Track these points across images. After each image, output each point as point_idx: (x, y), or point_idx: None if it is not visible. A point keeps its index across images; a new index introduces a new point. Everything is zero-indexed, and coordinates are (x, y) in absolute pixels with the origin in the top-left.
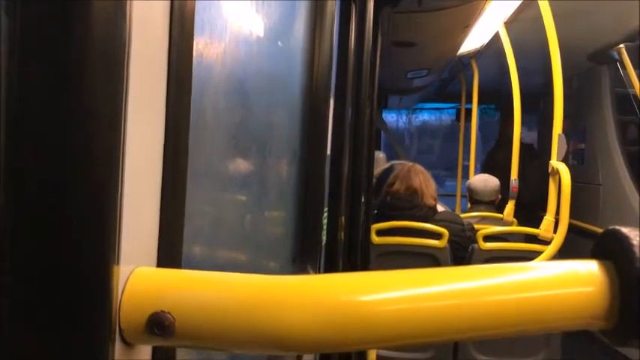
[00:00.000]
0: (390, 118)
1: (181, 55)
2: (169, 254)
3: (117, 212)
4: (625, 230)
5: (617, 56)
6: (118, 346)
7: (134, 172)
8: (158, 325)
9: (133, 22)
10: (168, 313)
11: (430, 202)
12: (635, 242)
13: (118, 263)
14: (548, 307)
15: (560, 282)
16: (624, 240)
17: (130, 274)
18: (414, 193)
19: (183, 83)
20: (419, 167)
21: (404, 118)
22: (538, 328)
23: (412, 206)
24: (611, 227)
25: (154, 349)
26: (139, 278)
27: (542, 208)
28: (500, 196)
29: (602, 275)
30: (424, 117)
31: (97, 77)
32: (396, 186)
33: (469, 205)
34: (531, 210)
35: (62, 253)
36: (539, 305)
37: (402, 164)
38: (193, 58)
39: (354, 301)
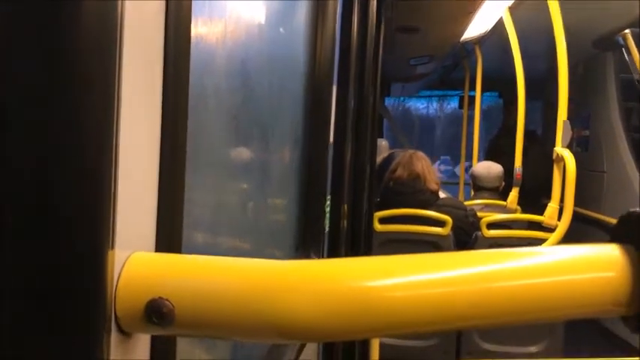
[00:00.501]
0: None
1: (179, 35)
2: (168, 239)
3: (111, 194)
4: None
5: (622, 42)
6: (115, 335)
7: (130, 152)
8: (156, 312)
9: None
10: (167, 299)
11: (433, 186)
12: None
13: (112, 248)
14: (567, 293)
15: (580, 267)
16: None
17: (126, 259)
18: (416, 178)
19: (181, 62)
20: (420, 154)
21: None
22: (556, 315)
23: (415, 191)
24: (632, 209)
25: (153, 339)
26: (136, 264)
27: (544, 195)
28: (503, 183)
29: (623, 260)
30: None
31: (89, 52)
32: (399, 172)
33: (472, 193)
34: (533, 197)
35: (52, 237)
36: (557, 291)
37: (403, 152)
38: (193, 41)
39: (362, 286)
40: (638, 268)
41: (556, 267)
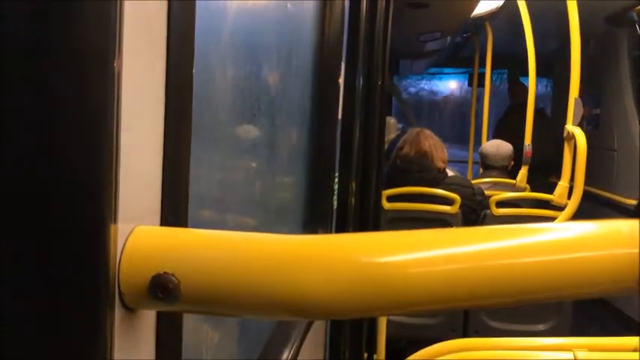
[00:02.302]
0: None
1: (183, 8)
2: (174, 214)
3: (112, 165)
4: None
5: (635, 18)
6: (119, 311)
7: (132, 122)
8: (161, 287)
9: None
10: (172, 274)
11: (440, 164)
12: None
13: (115, 222)
14: (588, 270)
15: (602, 243)
16: None
17: (129, 233)
18: (423, 155)
19: (187, 34)
20: (428, 132)
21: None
22: (577, 292)
23: (422, 169)
24: None
25: (159, 315)
26: (140, 237)
27: (551, 173)
28: (512, 163)
29: None
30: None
31: (89, 15)
32: (406, 149)
33: (481, 171)
34: (540, 174)
35: (53, 210)
36: (576, 268)
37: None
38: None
39: (376, 262)
40: None
41: (578, 242)
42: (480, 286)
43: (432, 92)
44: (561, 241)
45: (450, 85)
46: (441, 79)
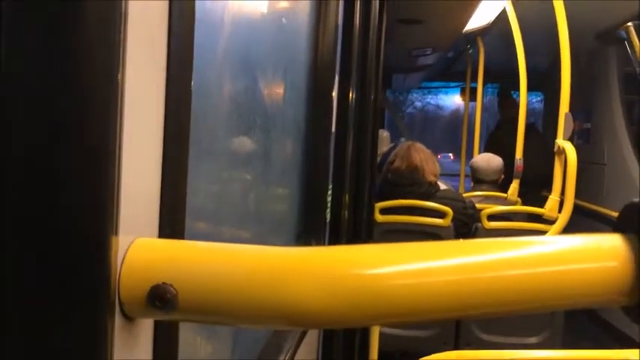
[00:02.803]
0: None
1: (182, 26)
2: (171, 226)
3: (115, 180)
4: None
5: (624, 35)
6: (118, 320)
7: (133, 139)
8: (160, 297)
9: None
10: (170, 285)
11: (431, 178)
12: None
13: (116, 234)
14: (569, 283)
15: (582, 256)
16: None
17: (129, 245)
18: (414, 170)
19: (185, 46)
20: (419, 145)
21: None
22: (557, 304)
23: (413, 183)
24: (635, 200)
25: (156, 325)
26: (139, 249)
27: (543, 188)
28: (503, 176)
29: (626, 249)
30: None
31: (92, 34)
32: (397, 163)
33: (472, 185)
34: (531, 188)
35: (57, 223)
36: (559, 280)
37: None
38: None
39: (366, 274)
40: None
41: (559, 256)
42: (467, 298)
43: (439, 106)
44: (544, 255)
45: (456, 99)
46: (447, 93)
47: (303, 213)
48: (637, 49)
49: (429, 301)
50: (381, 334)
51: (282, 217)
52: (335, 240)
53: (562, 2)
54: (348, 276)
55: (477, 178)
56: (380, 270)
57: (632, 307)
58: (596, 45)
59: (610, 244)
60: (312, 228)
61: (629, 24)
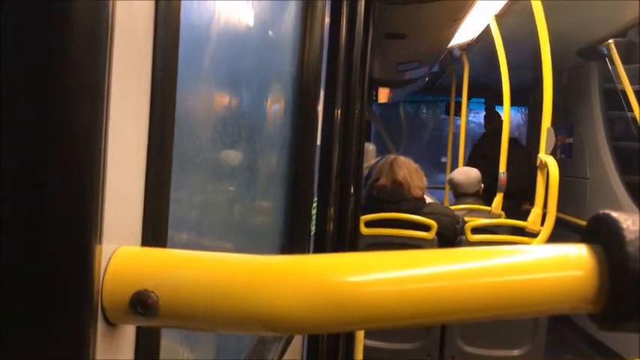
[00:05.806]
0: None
1: (168, 36)
2: (154, 235)
3: (99, 190)
4: (614, 214)
5: (605, 52)
6: (101, 325)
7: (117, 148)
8: (141, 303)
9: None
10: (152, 291)
11: (417, 193)
12: (624, 226)
13: (100, 242)
14: (537, 290)
15: (549, 265)
16: (613, 224)
17: (112, 253)
18: (399, 186)
19: (170, 63)
20: (402, 159)
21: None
22: (526, 311)
23: (399, 200)
24: (601, 211)
25: (138, 331)
26: (123, 257)
27: (525, 200)
28: (482, 186)
29: (591, 259)
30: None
31: (78, 47)
32: (382, 181)
33: (455, 199)
34: (514, 202)
35: (42, 231)
36: (528, 288)
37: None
38: (180, 42)
39: (342, 281)
40: (605, 267)
41: (527, 265)
42: (441, 304)
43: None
44: (514, 264)
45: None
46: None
47: (288, 225)
48: (618, 65)
49: (402, 308)
50: (365, 348)
51: (267, 230)
52: (319, 252)
53: (544, 19)
54: (326, 282)
55: (459, 192)
56: (354, 277)
57: (597, 314)
58: (578, 61)
59: (576, 254)
60: (296, 240)
61: (610, 41)
